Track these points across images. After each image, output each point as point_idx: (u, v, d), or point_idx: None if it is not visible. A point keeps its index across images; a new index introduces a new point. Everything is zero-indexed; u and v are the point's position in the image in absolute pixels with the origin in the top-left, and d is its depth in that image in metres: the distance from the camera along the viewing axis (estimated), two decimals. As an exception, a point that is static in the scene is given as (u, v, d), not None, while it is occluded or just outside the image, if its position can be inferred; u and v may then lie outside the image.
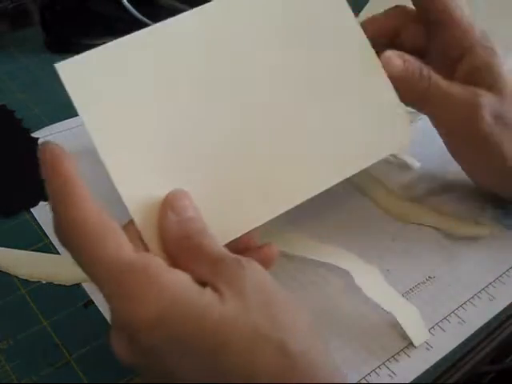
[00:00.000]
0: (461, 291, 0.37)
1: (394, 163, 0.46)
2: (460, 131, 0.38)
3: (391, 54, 0.36)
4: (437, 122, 0.39)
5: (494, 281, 0.38)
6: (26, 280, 0.36)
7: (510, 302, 0.36)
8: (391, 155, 0.46)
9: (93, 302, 0.35)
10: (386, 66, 0.36)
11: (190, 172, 0.30)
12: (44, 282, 0.36)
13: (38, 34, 0.62)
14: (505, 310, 0.36)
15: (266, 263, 0.29)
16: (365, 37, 0.36)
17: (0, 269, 0.37)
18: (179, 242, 0.27)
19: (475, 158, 0.39)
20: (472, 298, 0.36)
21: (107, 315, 0.34)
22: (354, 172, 0.35)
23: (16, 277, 0.37)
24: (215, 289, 0.26)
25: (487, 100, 0.36)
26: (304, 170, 0.33)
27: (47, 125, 0.49)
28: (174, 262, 0.27)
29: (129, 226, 0.28)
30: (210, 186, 0.31)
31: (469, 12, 0.37)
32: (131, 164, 0.29)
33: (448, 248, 0.40)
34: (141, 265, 0.25)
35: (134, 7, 0.58)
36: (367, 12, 0.67)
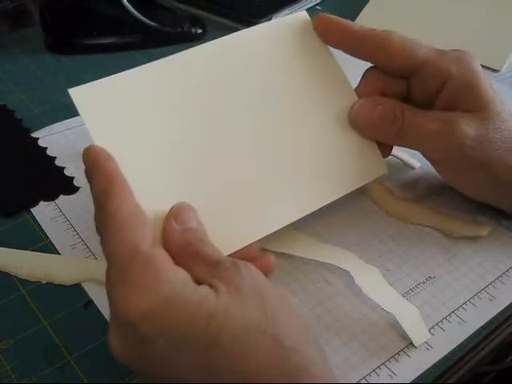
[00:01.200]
0: (461, 291, 0.37)
1: (394, 163, 0.46)
2: (444, 159, 0.38)
3: (362, 104, 0.37)
4: (420, 151, 0.39)
5: (494, 281, 0.38)
6: (26, 280, 0.36)
7: (510, 302, 0.36)
8: (392, 155, 0.46)
9: (93, 302, 0.35)
10: (359, 117, 0.37)
11: (192, 187, 0.33)
12: (44, 282, 0.36)
13: (38, 34, 0.62)
14: (505, 310, 0.36)
15: (264, 272, 0.29)
16: (345, 76, 0.39)
17: (0, 269, 0.37)
18: (181, 249, 0.28)
19: (466, 182, 0.39)
20: (472, 298, 0.36)
21: (107, 315, 0.34)
22: (338, 196, 0.37)
23: (16, 277, 0.37)
24: (212, 285, 0.27)
25: (466, 123, 0.36)
26: (292, 194, 0.36)
27: (47, 125, 0.49)
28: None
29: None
30: (211, 203, 0.33)
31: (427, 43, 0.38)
32: (138, 181, 0.30)
33: (448, 248, 0.40)
34: (147, 255, 0.27)
35: (133, 7, 0.58)
36: (367, 12, 0.68)
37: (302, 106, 0.37)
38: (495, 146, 0.36)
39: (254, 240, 0.34)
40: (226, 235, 0.33)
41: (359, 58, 0.39)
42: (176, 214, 0.30)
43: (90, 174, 0.29)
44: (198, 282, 0.27)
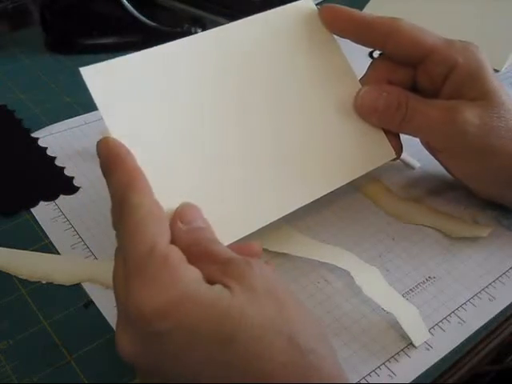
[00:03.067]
0: (461, 291, 0.37)
1: (394, 163, 0.46)
2: (447, 147, 0.38)
3: (367, 90, 0.38)
4: (425, 144, 0.40)
5: (494, 281, 0.38)
6: (26, 280, 0.36)
7: (510, 302, 0.36)
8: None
9: (93, 302, 0.35)
10: (364, 103, 0.38)
11: (203, 174, 0.33)
12: (44, 282, 0.36)
13: (38, 34, 0.62)
14: (505, 310, 0.36)
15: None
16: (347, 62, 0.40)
17: (0, 269, 0.37)
18: (188, 249, 0.28)
19: (468, 171, 0.39)
20: (472, 298, 0.36)
21: (107, 315, 0.34)
22: (342, 183, 0.38)
23: (16, 277, 0.37)
24: (225, 285, 0.26)
25: (469, 111, 0.36)
26: (298, 180, 0.36)
27: (47, 125, 0.49)
28: None
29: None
30: (214, 189, 0.33)
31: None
32: (144, 162, 0.30)
33: (448, 248, 0.40)
34: (163, 253, 0.26)
35: (133, 7, 0.58)
36: (367, 11, 0.67)
37: (307, 93, 0.38)
38: (499, 135, 0.36)
39: (263, 225, 0.34)
40: (231, 223, 0.33)
41: (368, 46, 0.39)
42: (181, 213, 0.30)
43: (108, 167, 0.29)
44: (210, 282, 0.27)
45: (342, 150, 0.38)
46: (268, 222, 0.34)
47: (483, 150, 0.37)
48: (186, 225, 0.29)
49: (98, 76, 0.31)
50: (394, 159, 0.40)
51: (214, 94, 0.35)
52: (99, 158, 0.30)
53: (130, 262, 0.27)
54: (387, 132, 0.39)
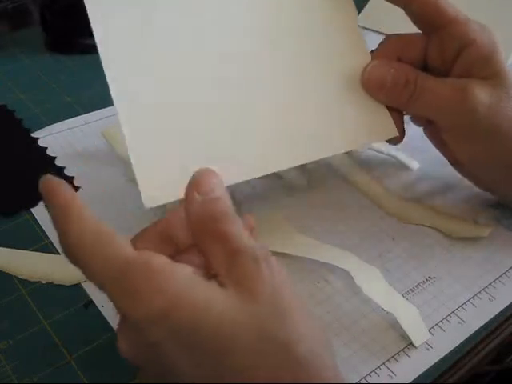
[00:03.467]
0: (461, 291, 0.37)
1: (394, 164, 0.46)
2: (455, 126, 0.37)
3: (375, 65, 0.37)
4: (429, 128, 0.39)
5: (494, 281, 0.38)
6: (26, 280, 0.36)
7: (510, 302, 0.36)
8: (391, 155, 0.46)
9: (93, 302, 0.35)
10: (371, 78, 0.37)
11: (203, 115, 0.33)
12: (44, 282, 0.36)
13: (38, 34, 0.62)
14: (505, 310, 0.36)
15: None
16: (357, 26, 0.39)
17: (0, 269, 0.37)
18: (203, 224, 0.27)
19: (474, 153, 0.38)
20: (472, 298, 0.36)
21: (107, 315, 0.34)
22: (339, 151, 0.37)
23: (16, 277, 0.37)
24: (221, 283, 0.26)
25: (480, 89, 0.36)
26: (294, 138, 0.35)
27: (47, 125, 0.49)
28: (195, 242, 0.28)
29: (149, 229, 0.29)
30: (219, 132, 0.33)
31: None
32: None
33: (448, 248, 0.40)
34: (142, 260, 0.25)
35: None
36: (367, 11, 0.67)
37: (315, 52, 0.37)
38: (507, 116, 0.36)
39: (259, 175, 0.33)
40: (235, 165, 0.33)
41: (393, 2, 0.38)
42: (198, 182, 0.28)
43: (48, 203, 0.27)
44: (209, 270, 0.26)
45: (342, 118, 0.37)
46: (263, 173, 0.34)
47: (491, 130, 0.36)
48: (202, 195, 0.28)
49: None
50: (396, 142, 0.39)
51: (215, 31, 0.34)
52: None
53: (106, 282, 0.25)
54: (392, 111, 0.38)
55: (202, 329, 0.24)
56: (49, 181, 0.27)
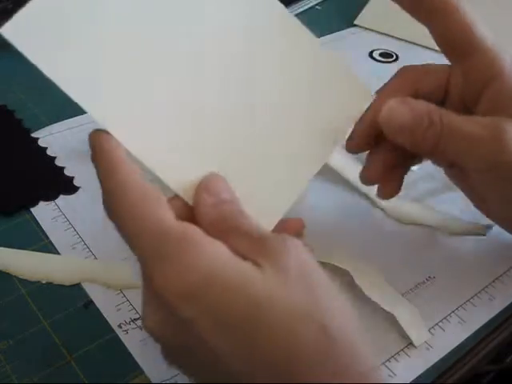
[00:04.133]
0: (461, 291, 0.37)
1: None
2: (486, 171, 0.33)
3: (394, 104, 0.32)
4: (458, 172, 0.35)
5: (493, 281, 0.38)
6: (26, 280, 0.36)
7: (509, 301, 0.36)
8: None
9: (93, 302, 0.35)
10: (391, 119, 0.32)
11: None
12: (44, 281, 0.36)
13: (38, 33, 0.62)
14: (505, 310, 0.36)
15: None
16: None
17: (0, 269, 0.37)
18: (216, 225, 0.27)
19: (508, 196, 0.34)
20: (472, 297, 0.36)
21: (107, 315, 0.34)
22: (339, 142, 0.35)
23: (16, 277, 0.37)
24: (256, 263, 0.25)
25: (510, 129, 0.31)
26: (303, 151, 0.34)
27: (47, 125, 0.49)
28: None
29: (173, 200, 0.28)
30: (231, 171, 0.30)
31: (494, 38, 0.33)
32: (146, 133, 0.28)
33: (448, 248, 0.40)
34: (180, 230, 0.25)
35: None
36: (367, 11, 0.67)
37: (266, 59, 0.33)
38: None
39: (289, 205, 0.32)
40: (263, 201, 0.31)
41: (417, 19, 0.34)
42: (207, 185, 0.28)
43: (94, 158, 0.27)
44: (239, 256, 0.25)
45: (327, 116, 0.34)
46: (282, 214, 0.32)
47: None
48: (212, 197, 0.27)
49: (25, 28, 0.27)
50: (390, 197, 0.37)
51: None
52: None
53: (141, 247, 0.25)
54: (395, 170, 0.35)
55: (238, 305, 0.24)
56: (98, 134, 0.27)
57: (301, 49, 0.35)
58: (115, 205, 0.26)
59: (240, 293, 0.24)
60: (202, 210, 0.27)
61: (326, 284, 0.26)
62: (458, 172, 0.36)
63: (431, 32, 0.34)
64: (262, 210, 0.29)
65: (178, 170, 0.29)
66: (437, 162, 0.36)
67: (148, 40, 0.29)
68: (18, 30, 0.27)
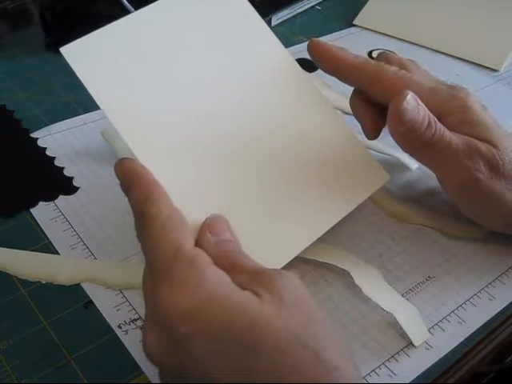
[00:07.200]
0: (461, 291, 0.37)
1: (393, 164, 0.46)
2: (460, 182, 0.36)
3: (411, 98, 0.35)
4: (437, 170, 0.38)
5: (493, 280, 0.38)
6: (26, 280, 0.36)
7: (509, 301, 0.36)
8: (391, 155, 0.46)
9: (93, 302, 0.35)
10: (407, 109, 0.34)
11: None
12: (44, 282, 0.36)
13: (38, 34, 0.62)
14: (505, 309, 0.36)
15: None
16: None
17: (0, 269, 0.37)
18: (217, 261, 0.28)
19: (478, 208, 0.38)
20: (472, 297, 0.36)
21: (107, 315, 0.34)
22: (348, 211, 0.37)
23: (16, 277, 0.37)
24: (255, 292, 0.27)
25: (484, 151, 0.35)
26: (304, 218, 0.35)
27: (47, 125, 0.49)
28: None
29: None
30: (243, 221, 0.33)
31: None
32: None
33: (448, 248, 0.40)
34: (189, 255, 0.27)
35: (133, 7, 0.58)
36: (367, 11, 0.68)
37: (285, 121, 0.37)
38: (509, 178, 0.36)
39: (300, 250, 0.34)
40: (269, 251, 0.33)
41: (353, 86, 0.39)
42: (210, 225, 0.30)
43: (126, 186, 0.30)
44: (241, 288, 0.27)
45: (338, 181, 0.37)
46: (288, 260, 0.34)
47: (493, 189, 0.36)
48: (214, 236, 0.30)
49: (82, 52, 0.31)
50: None
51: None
52: (118, 179, 0.31)
53: (156, 266, 0.27)
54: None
55: (236, 327, 0.25)
56: (131, 164, 0.30)
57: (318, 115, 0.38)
58: (144, 231, 0.29)
59: (239, 316, 0.25)
60: (205, 246, 0.29)
61: (320, 318, 0.27)
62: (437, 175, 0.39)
63: (372, 97, 0.38)
64: (264, 259, 0.30)
65: (196, 208, 0.31)
66: (421, 162, 0.38)
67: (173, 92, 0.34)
68: (76, 53, 0.32)
